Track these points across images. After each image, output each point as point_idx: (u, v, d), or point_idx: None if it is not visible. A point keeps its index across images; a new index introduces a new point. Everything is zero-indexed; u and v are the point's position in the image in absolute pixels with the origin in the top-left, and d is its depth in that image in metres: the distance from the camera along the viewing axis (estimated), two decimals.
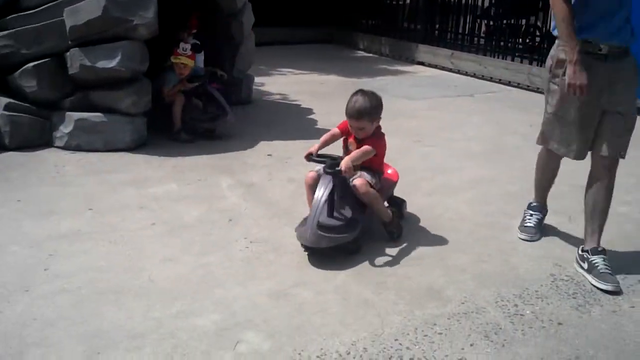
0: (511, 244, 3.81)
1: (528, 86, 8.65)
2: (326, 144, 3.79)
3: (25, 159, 5.00)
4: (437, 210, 4.29)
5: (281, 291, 3.16)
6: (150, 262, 3.42)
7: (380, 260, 3.54)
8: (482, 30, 10.77)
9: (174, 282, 3.21)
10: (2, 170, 4.72)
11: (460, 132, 6.39)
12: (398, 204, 4.07)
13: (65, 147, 5.23)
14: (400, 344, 2.74)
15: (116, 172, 4.80)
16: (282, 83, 8.54)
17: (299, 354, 2.65)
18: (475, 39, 10.40)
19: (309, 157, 3.68)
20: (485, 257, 3.63)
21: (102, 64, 5.16)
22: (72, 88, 5.37)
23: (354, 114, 3.58)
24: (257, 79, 7.78)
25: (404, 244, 3.74)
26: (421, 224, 4.05)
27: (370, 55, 11.57)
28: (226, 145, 5.56)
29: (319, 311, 2.99)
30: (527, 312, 3.05)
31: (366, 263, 3.50)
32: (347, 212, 3.60)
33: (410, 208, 4.20)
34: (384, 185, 3.88)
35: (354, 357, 2.64)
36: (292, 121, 6.54)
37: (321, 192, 3.48)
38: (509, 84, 8.93)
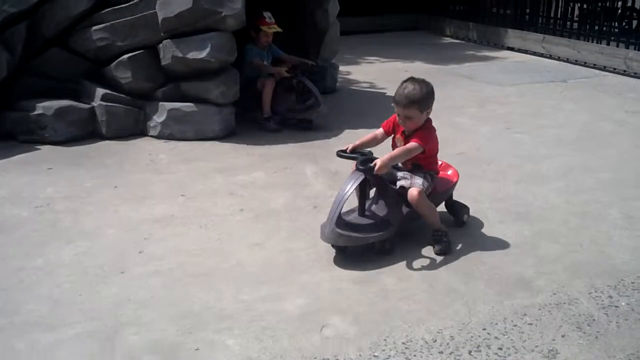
0: (605, 234, 3.65)
1: (624, 71, 8.22)
2: (365, 145, 3.54)
3: (121, 148, 5.23)
4: (526, 199, 4.16)
5: (366, 277, 3.17)
6: (238, 246, 3.50)
7: (468, 248, 3.47)
8: (575, 14, 10.32)
9: (261, 266, 3.27)
10: (100, 158, 4.96)
11: (552, 119, 6.16)
12: (457, 209, 3.77)
13: (159, 136, 5.44)
14: (489, 334, 2.69)
15: (206, 160, 4.94)
16: (367, 71, 8.50)
17: (384, 340, 2.64)
18: (568, 22, 9.98)
19: (340, 153, 3.48)
20: (577, 247, 3.49)
21: (192, 55, 5.31)
22: (164, 79, 5.56)
23: (402, 100, 3.36)
24: (342, 68, 7.79)
25: (493, 233, 3.66)
26: (510, 212, 3.94)
27: (457, 41, 11.34)
28: (311, 134, 5.60)
29: (404, 298, 2.97)
30: (622, 303, 2.92)
31: (454, 251, 3.45)
32: (380, 211, 3.42)
33: (498, 196, 4.09)
34: (441, 186, 3.65)
35: (441, 345, 2.61)
36: (377, 109, 6.49)
37: (346, 188, 3.30)
38: (604, 69, 8.52)
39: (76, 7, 5.47)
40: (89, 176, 4.54)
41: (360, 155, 3.40)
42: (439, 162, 3.79)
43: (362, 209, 3.43)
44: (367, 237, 3.34)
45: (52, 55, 5.60)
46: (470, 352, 2.57)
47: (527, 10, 10.68)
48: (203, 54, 5.31)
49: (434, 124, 3.53)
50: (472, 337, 2.66)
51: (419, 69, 8.60)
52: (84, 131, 5.37)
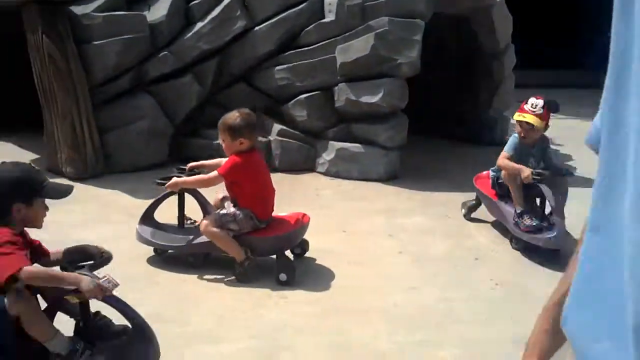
0: None
1: None
2: (207, 166, 3.76)
3: (291, 181, 5.48)
4: None
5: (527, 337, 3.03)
6: (395, 287, 3.51)
7: None
8: None
9: (417, 311, 3.25)
10: None
11: None
12: (278, 264, 3.55)
13: (325, 173, 5.65)
14: None
15: (368, 200, 5.03)
16: None
17: None
18: None
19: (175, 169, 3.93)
20: None
21: (365, 98, 5.49)
22: (336, 119, 5.79)
23: (219, 122, 3.61)
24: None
25: None
26: None
27: None
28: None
29: None
30: None
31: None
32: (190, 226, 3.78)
33: None
34: (270, 231, 3.63)
35: None
36: None
37: (157, 197, 3.79)
38: None
39: (263, 48, 5.88)
40: None
41: (179, 173, 3.78)
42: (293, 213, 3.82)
43: (180, 221, 3.78)
44: (154, 242, 3.72)
45: (236, 90, 6.05)
46: None
47: None
48: (376, 99, 5.46)
49: None
50: None
51: None
52: None
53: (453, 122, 6.99)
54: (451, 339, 2.99)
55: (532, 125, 4.07)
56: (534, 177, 3.96)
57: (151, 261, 3.74)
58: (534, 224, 3.94)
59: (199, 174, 3.72)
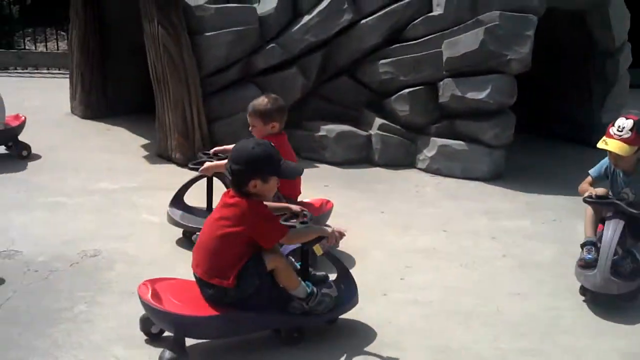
0: None
1: None
2: (228, 150, 3.68)
3: (391, 176, 5.46)
4: None
5: (637, 353, 2.90)
6: (498, 292, 3.44)
7: None
8: None
9: (521, 318, 3.17)
10: (371, 183, 5.24)
11: None
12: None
13: (426, 170, 5.58)
14: None
15: (471, 199, 4.94)
16: None
17: None
18: None
19: (199, 154, 4.03)
20: None
21: (471, 95, 5.38)
22: (439, 115, 5.70)
23: (249, 108, 3.64)
24: None
25: None
26: None
27: None
28: None
29: None
30: None
31: None
32: None
33: None
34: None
35: None
36: None
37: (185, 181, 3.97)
38: None
39: (368, 41, 5.87)
40: (359, 198, 4.81)
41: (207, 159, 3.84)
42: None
43: (208, 204, 3.86)
44: (182, 224, 3.82)
45: (340, 83, 6.07)
46: None
47: None
48: (482, 95, 5.34)
49: None
50: None
51: None
52: (359, 156, 5.74)
53: (560, 122, 6.74)
54: (557, 349, 2.91)
55: (618, 155, 3.42)
56: (586, 199, 3.46)
57: None
58: (586, 257, 3.38)
59: (225, 158, 3.78)
